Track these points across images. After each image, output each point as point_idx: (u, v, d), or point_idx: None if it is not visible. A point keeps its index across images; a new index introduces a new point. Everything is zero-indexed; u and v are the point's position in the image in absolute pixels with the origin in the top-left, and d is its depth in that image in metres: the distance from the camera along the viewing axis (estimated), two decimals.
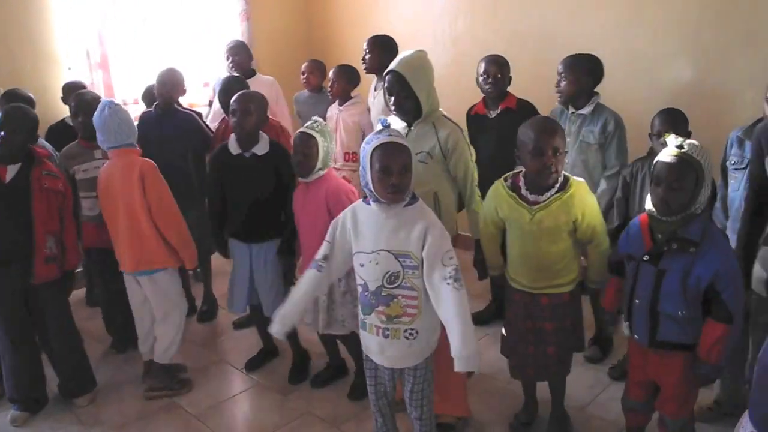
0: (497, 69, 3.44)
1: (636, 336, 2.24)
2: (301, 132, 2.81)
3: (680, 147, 2.06)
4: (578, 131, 3.15)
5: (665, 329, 2.14)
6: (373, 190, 2.11)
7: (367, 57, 3.87)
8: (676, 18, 3.69)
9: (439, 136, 2.58)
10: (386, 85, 2.61)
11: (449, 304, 2.04)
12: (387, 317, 2.17)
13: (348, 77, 4.10)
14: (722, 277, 2.02)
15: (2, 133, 2.74)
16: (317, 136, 2.79)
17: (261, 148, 3.04)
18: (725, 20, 3.52)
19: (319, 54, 5.21)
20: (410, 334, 2.17)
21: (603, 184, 3.12)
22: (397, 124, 2.65)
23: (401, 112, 2.62)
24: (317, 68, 4.50)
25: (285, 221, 3.08)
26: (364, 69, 3.92)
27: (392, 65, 2.60)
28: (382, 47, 3.81)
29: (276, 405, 3.11)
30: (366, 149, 2.12)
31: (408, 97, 2.57)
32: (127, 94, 4.63)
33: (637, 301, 2.19)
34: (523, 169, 2.44)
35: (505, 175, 2.51)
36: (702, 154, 2.07)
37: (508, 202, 2.43)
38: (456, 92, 3.70)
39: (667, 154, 2.07)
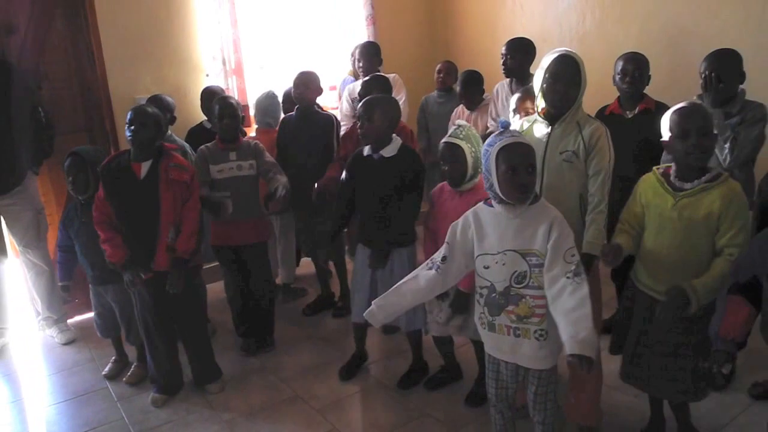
0: (635, 66, 3.28)
1: None
2: (446, 142, 2.77)
3: None
4: (724, 129, 2.94)
5: None
6: (499, 191, 2.09)
7: (508, 60, 3.83)
8: None
9: (584, 134, 2.45)
10: (555, 68, 2.44)
11: (567, 296, 2.01)
12: (517, 317, 2.15)
13: (476, 82, 4.21)
14: None
15: (132, 128, 2.92)
16: (463, 143, 2.74)
17: (390, 150, 3.04)
18: None
19: (445, 57, 5.23)
20: (540, 334, 2.14)
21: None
22: (539, 125, 2.55)
23: (564, 100, 2.45)
24: (453, 69, 4.59)
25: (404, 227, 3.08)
26: (504, 71, 3.88)
27: (563, 51, 2.48)
28: (524, 50, 3.79)
29: (394, 404, 3.13)
30: (489, 151, 2.10)
31: (575, 86, 2.43)
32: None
33: None
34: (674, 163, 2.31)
35: (659, 166, 2.40)
36: None
37: (654, 186, 2.32)
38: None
39: None
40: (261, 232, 3.64)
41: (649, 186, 2.35)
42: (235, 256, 3.57)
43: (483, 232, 2.19)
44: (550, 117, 2.50)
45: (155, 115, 3.04)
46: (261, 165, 3.51)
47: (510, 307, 2.15)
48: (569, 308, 2.00)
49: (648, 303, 2.39)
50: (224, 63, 4.67)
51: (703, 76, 3.01)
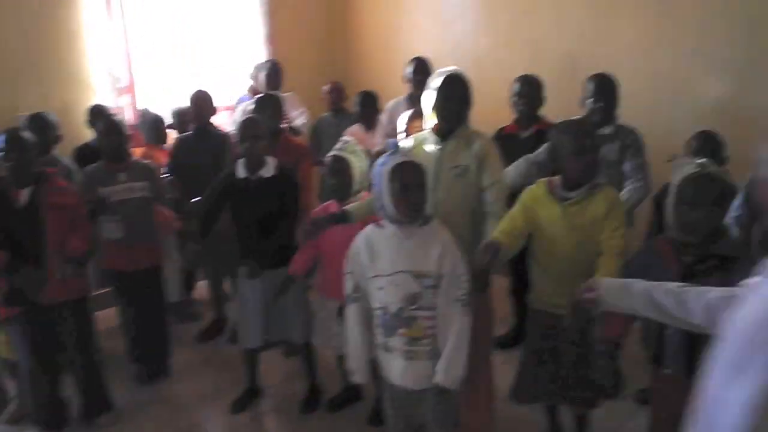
0: (529, 88, 3.45)
1: (669, 369, 2.14)
2: (333, 155, 2.80)
3: (703, 166, 2.02)
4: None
5: (703, 353, 2.04)
6: (390, 210, 2.13)
7: (411, 77, 3.96)
8: (699, 37, 3.64)
9: (473, 147, 2.52)
10: (441, 87, 2.50)
11: (453, 323, 2.13)
12: (409, 339, 2.17)
13: (372, 102, 4.22)
14: None
15: (6, 155, 2.75)
16: (350, 157, 2.77)
17: (267, 171, 3.01)
18: (752, 39, 3.47)
19: (343, 76, 5.26)
20: (434, 354, 2.17)
21: (627, 195, 3.07)
22: (429, 141, 2.60)
23: (453, 116, 2.52)
24: (342, 90, 4.61)
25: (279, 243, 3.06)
26: (412, 92, 3.99)
27: (452, 70, 2.55)
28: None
29: (296, 429, 3.09)
30: (381, 170, 2.13)
31: (464, 102, 2.52)
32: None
33: (669, 331, 2.08)
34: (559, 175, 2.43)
35: (542, 179, 2.50)
36: (717, 168, 2.06)
37: (541, 199, 2.42)
38: (477, 113, 3.68)
39: (696, 176, 2.01)
40: (155, 255, 3.51)
41: (536, 198, 2.44)
42: (128, 280, 3.41)
43: (375, 254, 2.21)
44: (441, 134, 2.56)
45: (29, 140, 2.85)
46: (154, 187, 3.39)
47: (402, 330, 2.16)
48: (452, 336, 2.13)
49: (545, 320, 2.47)
50: (113, 81, 4.49)
51: (587, 97, 3.18)
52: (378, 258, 2.20)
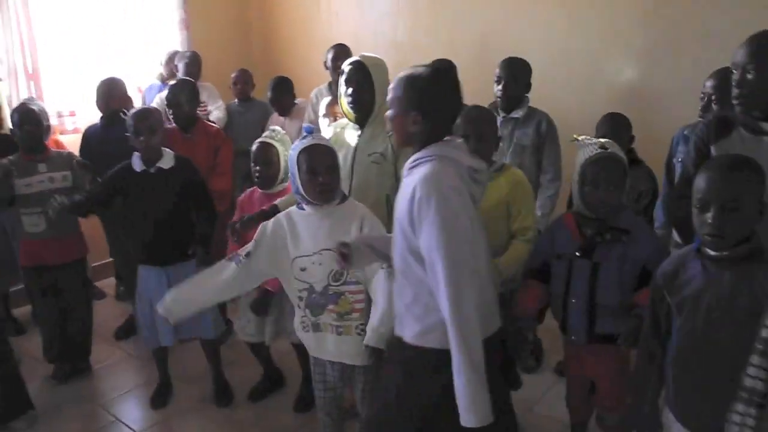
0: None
1: (573, 337, 2.26)
2: (260, 142, 2.77)
3: (604, 147, 2.13)
4: (511, 134, 3.19)
5: (602, 322, 2.17)
6: (303, 193, 2.16)
7: (329, 63, 3.92)
8: (607, 22, 3.79)
9: (392, 138, 2.53)
10: (346, 76, 2.55)
11: (379, 285, 2.11)
12: (338, 315, 2.21)
13: (289, 90, 4.19)
14: (653, 257, 2.06)
15: None
16: (277, 145, 2.75)
17: (166, 162, 2.92)
18: (653, 25, 3.64)
19: (260, 63, 5.19)
20: (362, 330, 2.20)
21: (548, 191, 3.19)
22: (350, 128, 2.62)
23: (358, 104, 2.55)
24: (249, 77, 4.53)
25: (203, 234, 3.00)
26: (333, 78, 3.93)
27: (355, 57, 2.58)
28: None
29: (223, 420, 3.05)
30: (292, 155, 2.17)
31: (368, 89, 2.52)
32: (62, 105, 4.48)
33: (573, 300, 2.20)
34: None
35: None
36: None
37: None
38: None
39: (595, 157, 2.12)
40: (78, 248, 3.38)
41: None
42: (50, 275, 3.27)
43: (297, 235, 2.23)
44: (358, 121, 2.58)
45: None
46: (77, 180, 3.27)
47: (330, 306, 2.21)
48: (380, 296, 2.10)
49: None
50: (15, 68, 4.23)
51: (497, 81, 3.24)
52: (299, 239, 2.22)
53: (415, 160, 1.78)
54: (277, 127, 2.87)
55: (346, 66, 2.57)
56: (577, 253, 2.17)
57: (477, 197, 1.82)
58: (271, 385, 3.21)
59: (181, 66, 4.50)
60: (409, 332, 1.80)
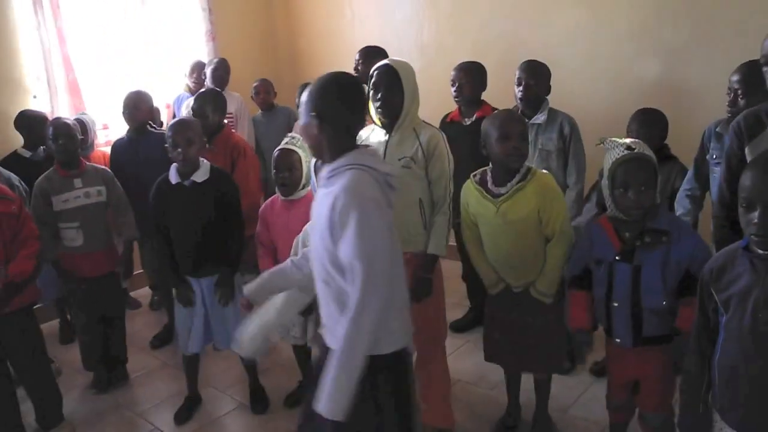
0: (462, 75, 3.48)
1: (618, 339, 2.23)
2: (282, 149, 2.77)
3: (630, 148, 2.10)
4: (536, 140, 3.16)
5: (648, 325, 2.15)
6: None
7: (360, 67, 3.85)
8: (635, 20, 3.76)
9: (421, 140, 2.53)
10: (374, 80, 2.52)
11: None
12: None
13: None
14: (697, 258, 2.04)
15: None
16: (299, 151, 2.76)
17: (201, 174, 2.92)
18: (683, 20, 3.59)
19: (286, 71, 5.23)
20: None
21: (571, 195, 3.15)
22: (376, 133, 2.61)
23: (386, 107, 2.51)
24: (270, 86, 4.58)
25: (232, 249, 3.00)
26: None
27: (385, 60, 2.57)
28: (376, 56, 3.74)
29: (258, 426, 3.07)
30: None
31: (396, 93, 2.48)
32: (96, 119, 4.49)
33: (615, 304, 2.18)
34: (489, 167, 2.49)
35: (474, 173, 2.55)
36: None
37: (475, 196, 2.48)
38: (423, 101, 3.73)
39: (622, 159, 2.09)
40: (112, 261, 3.43)
41: (471, 195, 2.51)
42: (85, 287, 3.32)
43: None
44: (387, 125, 2.57)
45: None
46: (112, 194, 3.33)
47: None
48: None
49: (507, 295, 2.57)
50: (48, 83, 4.33)
51: (517, 83, 3.21)
52: None
53: (332, 170, 1.78)
54: (295, 134, 2.89)
55: (374, 70, 2.55)
56: (617, 258, 2.15)
57: (391, 202, 1.86)
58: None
59: (208, 72, 4.54)
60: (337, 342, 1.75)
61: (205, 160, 2.96)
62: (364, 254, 1.67)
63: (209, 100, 3.60)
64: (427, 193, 2.59)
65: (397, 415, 1.86)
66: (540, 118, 3.16)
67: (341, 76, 1.85)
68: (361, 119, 1.87)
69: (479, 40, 4.43)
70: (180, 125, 2.92)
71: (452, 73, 3.52)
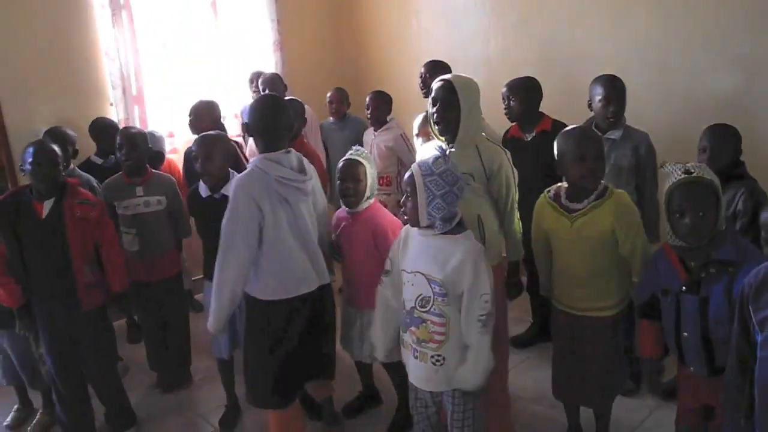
0: (509, 93, 3.48)
1: (692, 368, 2.15)
2: (348, 159, 2.78)
3: (689, 172, 2.02)
4: (609, 155, 3.08)
5: (721, 354, 2.03)
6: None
7: (427, 81, 3.79)
8: (709, 30, 3.63)
9: (483, 158, 2.53)
10: (433, 95, 2.54)
11: (472, 342, 2.16)
12: (417, 339, 2.22)
13: (384, 103, 4.20)
14: None
15: (36, 165, 2.75)
16: (365, 162, 2.77)
17: (229, 188, 2.89)
18: (760, 31, 3.46)
19: (351, 81, 5.27)
20: (436, 360, 2.19)
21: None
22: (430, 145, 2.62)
23: (443, 123, 2.52)
24: (345, 96, 4.59)
25: None
26: (424, 94, 3.86)
27: (446, 75, 2.59)
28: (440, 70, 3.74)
29: None
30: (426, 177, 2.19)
31: (453, 107, 2.49)
32: (162, 127, 4.67)
33: (685, 333, 2.11)
34: (564, 183, 2.45)
35: (548, 188, 2.53)
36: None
37: (550, 212, 2.45)
38: (487, 115, 3.70)
39: (681, 183, 2.01)
40: (172, 264, 3.53)
41: (546, 210, 2.48)
42: (147, 290, 3.44)
43: (406, 249, 2.27)
44: (447, 140, 2.57)
45: (55, 151, 2.85)
46: (172, 203, 3.43)
47: (413, 328, 2.22)
48: (471, 352, 2.17)
49: (569, 320, 2.51)
50: (123, 92, 4.49)
51: (596, 100, 3.12)
52: (407, 253, 2.27)
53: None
54: (359, 147, 2.91)
55: (434, 85, 2.57)
56: (683, 289, 2.08)
57: (291, 197, 2.46)
58: (366, 402, 3.22)
59: (265, 89, 4.53)
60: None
61: (235, 172, 2.94)
62: (223, 226, 2.41)
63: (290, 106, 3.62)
64: (486, 209, 2.58)
65: (256, 347, 2.59)
66: (615, 133, 3.09)
67: (268, 98, 2.67)
68: (274, 130, 2.52)
69: (545, 55, 4.36)
70: (202, 140, 2.96)
71: (502, 90, 3.51)
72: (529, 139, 3.46)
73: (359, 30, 5.78)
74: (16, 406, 3.39)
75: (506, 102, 3.50)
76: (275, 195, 2.41)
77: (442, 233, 2.16)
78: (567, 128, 2.47)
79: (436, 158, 2.17)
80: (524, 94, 3.46)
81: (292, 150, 2.58)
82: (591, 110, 3.20)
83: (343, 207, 2.86)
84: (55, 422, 3.17)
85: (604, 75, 3.16)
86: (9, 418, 3.34)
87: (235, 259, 2.39)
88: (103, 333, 3.03)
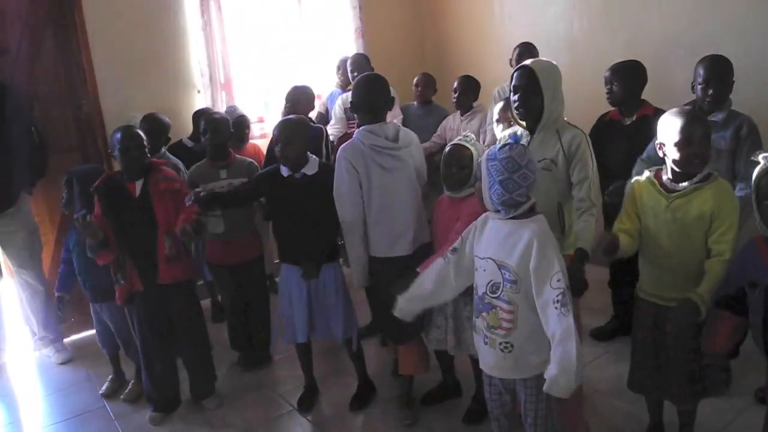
0: (611, 77, 3.37)
1: None
2: (456, 144, 2.78)
3: None
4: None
5: None
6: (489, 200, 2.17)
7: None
8: None
9: (563, 141, 2.49)
10: (513, 82, 2.52)
11: (554, 328, 2.03)
12: (487, 324, 2.21)
13: (472, 88, 4.21)
14: None
15: (126, 151, 2.95)
16: (472, 149, 2.76)
17: (310, 168, 2.99)
18: None
19: (433, 68, 5.24)
20: (504, 347, 2.18)
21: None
22: (521, 134, 2.58)
23: (525, 109, 2.50)
24: (432, 81, 4.57)
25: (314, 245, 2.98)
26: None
27: (526, 61, 2.55)
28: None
29: (391, 418, 3.10)
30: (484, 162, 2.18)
31: (535, 94, 2.46)
32: (249, 113, 4.75)
33: None
34: (666, 165, 2.34)
35: (650, 168, 2.44)
36: None
37: (648, 189, 2.37)
38: (571, 99, 3.60)
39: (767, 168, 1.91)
40: (253, 249, 3.63)
41: (644, 188, 2.39)
42: (230, 272, 3.57)
43: (482, 235, 2.25)
44: (529, 127, 2.54)
45: (140, 134, 3.03)
46: None
47: (484, 313, 2.21)
48: (555, 342, 2.02)
49: (653, 311, 2.43)
50: (211, 79, 4.65)
51: (698, 81, 2.98)
52: (481, 240, 2.25)
53: None
54: (469, 133, 2.90)
55: (513, 72, 2.54)
56: None
57: (385, 164, 2.77)
58: (446, 392, 3.22)
59: (354, 68, 4.53)
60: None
61: (313, 156, 3.04)
62: (335, 190, 2.82)
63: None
64: (567, 196, 2.53)
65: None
66: (718, 115, 2.93)
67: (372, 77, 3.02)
68: (379, 105, 2.84)
69: (632, 38, 4.20)
70: (282, 124, 3.01)
71: (606, 72, 3.40)
72: (628, 123, 3.36)
73: (441, 16, 5.74)
74: (110, 377, 3.60)
75: (608, 86, 3.39)
76: (370, 160, 2.74)
77: (510, 217, 2.15)
78: (672, 110, 2.35)
79: (503, 145, 2.15)
80: (629, 78, 3.35)
81: (392, 122, 2.89)
82: (693, 92, 3.05)
83: (446, 191, 2.85)
84: (142, 392, 3.38)
85: (708, 56, 3.00)
86: (104, 387, 3.57)
87: (348, 213, 2.81)
88: (192, 304, 3.21)
